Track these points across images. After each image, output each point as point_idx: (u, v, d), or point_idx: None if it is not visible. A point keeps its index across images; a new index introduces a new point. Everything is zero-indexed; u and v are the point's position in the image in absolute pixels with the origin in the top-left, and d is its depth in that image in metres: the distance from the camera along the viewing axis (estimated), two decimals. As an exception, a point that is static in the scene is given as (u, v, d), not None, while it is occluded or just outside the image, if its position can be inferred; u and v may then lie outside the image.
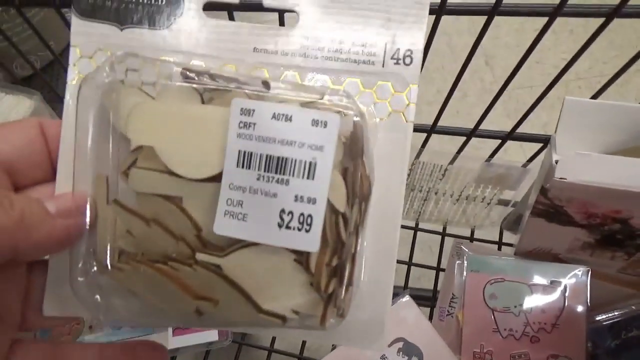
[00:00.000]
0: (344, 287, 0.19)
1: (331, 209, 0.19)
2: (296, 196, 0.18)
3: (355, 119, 0.19)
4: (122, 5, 0.20)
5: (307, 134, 0.18)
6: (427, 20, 0.20)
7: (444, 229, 0.50)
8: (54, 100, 0.44)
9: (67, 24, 0.36)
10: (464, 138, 0.40)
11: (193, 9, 0.20)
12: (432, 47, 0.32)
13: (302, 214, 0.18)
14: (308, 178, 0.18)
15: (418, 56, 0.20)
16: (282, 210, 0.18)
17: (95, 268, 0.20)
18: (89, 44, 0.21)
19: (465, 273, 0.37)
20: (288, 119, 0.18)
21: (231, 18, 0.32)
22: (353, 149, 0.19)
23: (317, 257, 0.19)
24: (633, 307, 0.36)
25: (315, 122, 0.18)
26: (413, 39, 0.20)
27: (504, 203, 0.45)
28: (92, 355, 0.20)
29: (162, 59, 0.20)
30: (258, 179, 0.18)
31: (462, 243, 0.39)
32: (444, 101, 0.36)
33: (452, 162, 0.41)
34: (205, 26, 0.21)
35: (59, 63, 0.40)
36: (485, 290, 0.36)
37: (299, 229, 0.18)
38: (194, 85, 0.19)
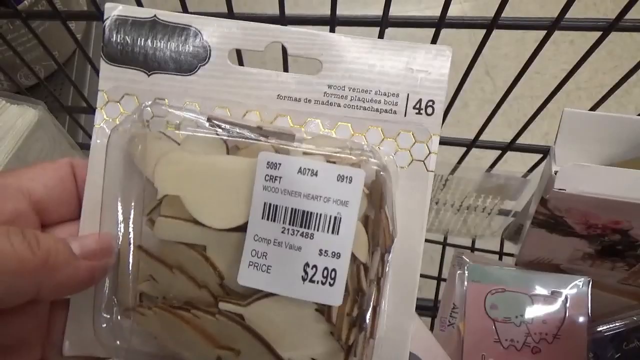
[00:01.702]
0: (365, 339, 0.19)
1: (352, 258, 0.18)
2: (320, 250, 0.18)
3: (380, 173, 0.19)
4: (149, 52, 0.21)
5: (333, 189, 0.18)
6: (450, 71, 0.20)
7: (445, 238, 0.50)
8: (58, 109, 0.44)
9: (73, 36, 0.36)
10: (465, 148, 0.40)
11: (218, 56, 0.21)
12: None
13: (326, 268, 0.18)
14: (333, 233, 0.18)
15: (440, 107, 0.20)
16: (307, 264, 0.18)
17: (117, 311, 0.20)
18: (117, 88, 0.21)
19: (466, 283, 0.37)
20: (314, 173, 0.18)
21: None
22: (374, 199, 0.19)
23: (338, 307, 0.19)
24: (634, 318, 0.36)
25: (340, 177, 0.18)
26: (435, 89, 0.20)
27: (504, 213, 0.45)
28: None
29: (187, 105, 0.21)
30: (283, 231, 0.18)
31: (463, 253, 0.39)
32: (445, 111, 0.36)
33: (452, 172, 0.42)
34: (229, 72, 0.21)
35: (62, 73, 0.40)
36: (486, 300, 0.36)
37: (323, 283, 0.18)
38: (220, 135, 0.20)
